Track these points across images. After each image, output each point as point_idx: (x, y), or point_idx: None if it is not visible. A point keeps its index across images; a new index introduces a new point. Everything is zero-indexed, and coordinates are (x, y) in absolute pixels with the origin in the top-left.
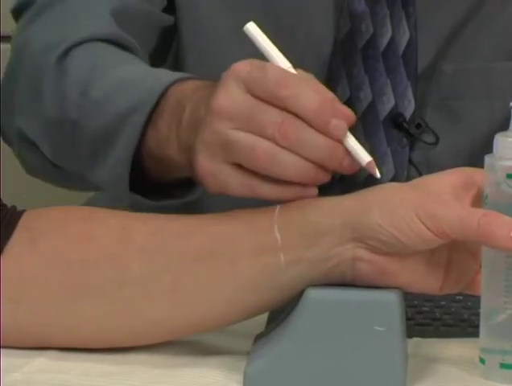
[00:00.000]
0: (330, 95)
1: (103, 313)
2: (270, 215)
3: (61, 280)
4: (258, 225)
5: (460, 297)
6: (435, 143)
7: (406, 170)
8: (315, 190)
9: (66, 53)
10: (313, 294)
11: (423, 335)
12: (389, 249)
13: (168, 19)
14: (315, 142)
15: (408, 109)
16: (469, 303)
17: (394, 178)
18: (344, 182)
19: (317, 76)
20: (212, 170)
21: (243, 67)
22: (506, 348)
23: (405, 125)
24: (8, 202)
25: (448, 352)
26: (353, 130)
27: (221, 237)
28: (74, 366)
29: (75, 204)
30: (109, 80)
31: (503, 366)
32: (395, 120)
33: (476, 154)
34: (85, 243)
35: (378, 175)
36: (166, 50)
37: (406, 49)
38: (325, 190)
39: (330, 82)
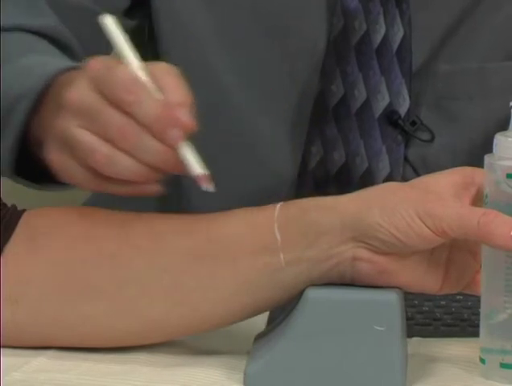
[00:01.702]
0: (181, 98)
1: (103, 313)
2: (270, 214)
3: (61, 280)
4: (257, 225)
5: (461, 297)
6: (431, 140)
7: (402, 167)
8: (156, 187)
9: None
10: (313, 294)
11: (423, 335)
12: (389, 249)
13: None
14: (151, 148)
15: (403, 107)
16: (469, 303)
17: (390, 176)
18: (339, 179)
19: (311, 76)
20: (61, 164)
21: (95, 65)
22: (506, 348)
23: (400, 122)
24: (8, 202)
25: (448, 352)
26: (348, 128)
27: (221, 237)
28: (74, 366)
29: (75, 204)
30: (13, 66)
31: (503, 366)
32: (390, 117)
33: (473, 153)
34: (85, 243)
35: (211, 189)
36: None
37: (400, 46)
38: (320, 187)
39: (324, 80)
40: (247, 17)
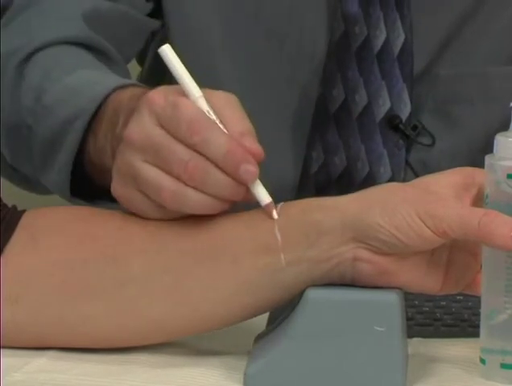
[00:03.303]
0: (244, 127)
1: (103, 313)
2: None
3: (61, 280)
4: (258, 225)
5: (461, 298)
6: (432, 144)
7: (403, 172)
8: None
9: (28, 58)
10: (313, 294)
11: (423, 335)
12: (389, 249)
13: (152, 24)
14: (220, 182)
15: (404, 111)
16: (470, 303)
17: (391, 180)
18: (341, 184)
19: (312, 80)
20: (126, 196)
21: (158, 100)
22: (507, 348)
23: (401, 126)
24: (8, 202)
25: (448, 352)
26: (349, 133)
27: (222, 237)
28: (74, 366)
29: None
30: (60, 86)
31: (503, 366)
32: (391, 122)
33: (474, 158)
34: (85, 243)
35: (275, 217)
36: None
37: (402, 51)
38: (322, 190)
39: (325, 85)
40: (250, 21)
